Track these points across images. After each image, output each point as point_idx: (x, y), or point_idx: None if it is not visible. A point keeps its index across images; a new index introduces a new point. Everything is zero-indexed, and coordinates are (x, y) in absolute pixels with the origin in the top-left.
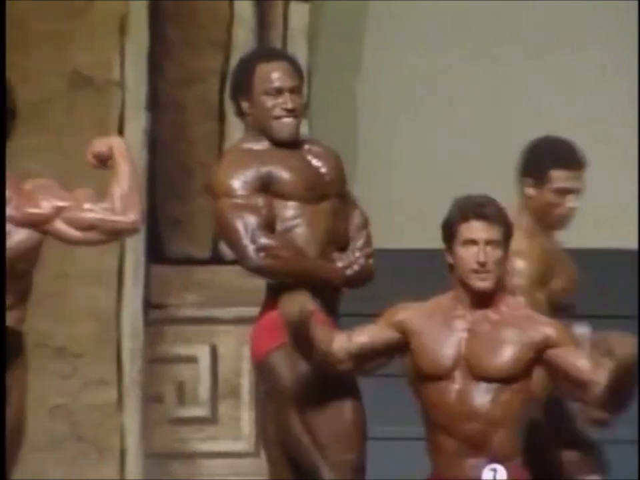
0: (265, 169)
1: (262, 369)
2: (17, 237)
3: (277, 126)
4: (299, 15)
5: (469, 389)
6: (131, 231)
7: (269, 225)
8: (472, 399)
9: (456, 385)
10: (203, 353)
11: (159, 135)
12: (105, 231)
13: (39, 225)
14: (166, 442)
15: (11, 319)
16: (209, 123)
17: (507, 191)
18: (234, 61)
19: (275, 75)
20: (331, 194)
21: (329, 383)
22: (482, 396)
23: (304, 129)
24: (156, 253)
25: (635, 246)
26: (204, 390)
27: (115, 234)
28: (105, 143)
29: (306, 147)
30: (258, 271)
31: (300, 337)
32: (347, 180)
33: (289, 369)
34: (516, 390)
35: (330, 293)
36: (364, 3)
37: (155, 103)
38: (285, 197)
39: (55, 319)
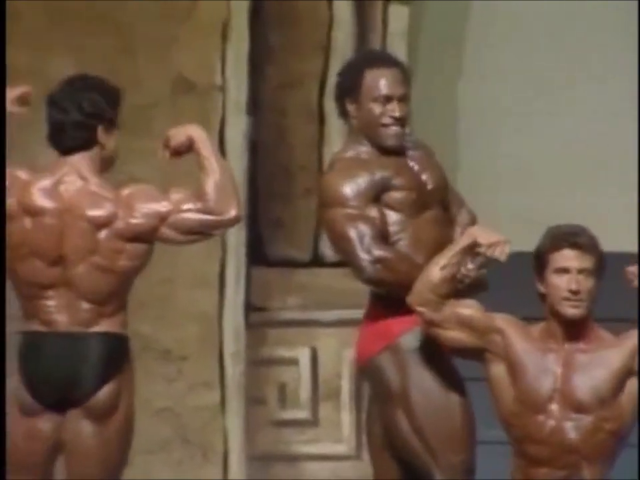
0: (377, 178)
1: (368, 372)
2: (135, 252)
3: (384, 134)
4: (398, 16)
5: (564, 422)
6: (233, 225)
7: (382, 236)
8: (567, 433)
9: (551, 419)
10: (303, 355)
11: (260, 138)
12: (207, 230)
13: (147, 236)
14: (268, 444)
15: (116, 323)
16: (309, 126)
17: (606, 196)
18: (333, 64)
19: (385, 82)
20: (433, 202)
21: (437, 384)
22: (577, 429)
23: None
24: (257, 256)
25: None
26: (305, 392)
27: (217, 230)
28: (183, 133)
29: (409, 152)
30: (373, 282)
31: None
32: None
33: (396, 371)
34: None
35: None
36: (465, 4)
37: (255, 106)
38: (394, 208)
39: (159, 322)
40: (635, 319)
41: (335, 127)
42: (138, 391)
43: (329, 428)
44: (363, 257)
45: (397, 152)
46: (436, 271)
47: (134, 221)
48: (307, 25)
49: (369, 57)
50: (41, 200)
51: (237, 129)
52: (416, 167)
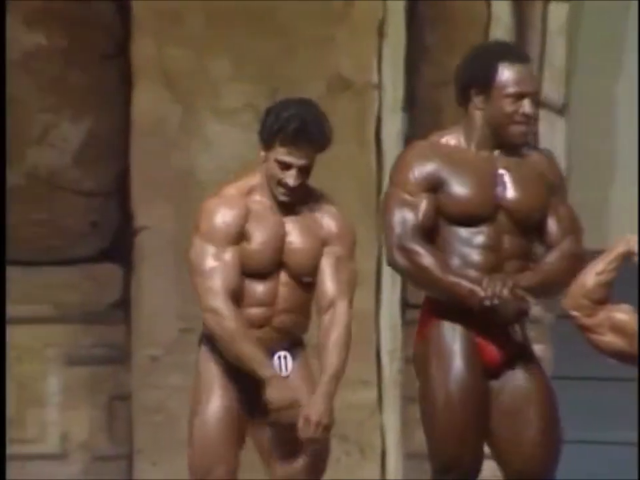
0: (443, 172)
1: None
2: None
3: (513, 131)
4: (557, 14)
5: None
6: None
7: (423, 228)
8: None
9: None
10: None
11: (415, 135)
12: None
13: None
14: (425, 442)
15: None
16: None
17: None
18: None
19: (519, 79)
20: (493, 218)
21: (448, 380)
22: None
23: (562, 129)
24: None
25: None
26: None
27: None
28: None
29: (510, 160)
30: (394, 267)
31: None
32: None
33: (419, 361)
34: None
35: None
36: (625, 2)
37: (411, 104)
38: (445, 215)
39: (315, 319)
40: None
41: None
42: None
43: None
44: (395, 242)
45: (490, 159)
46: (591, 277)
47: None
48: (464, 23)
49: (503, 50)
50: None
51: (393, 126)
52: (499, 179)
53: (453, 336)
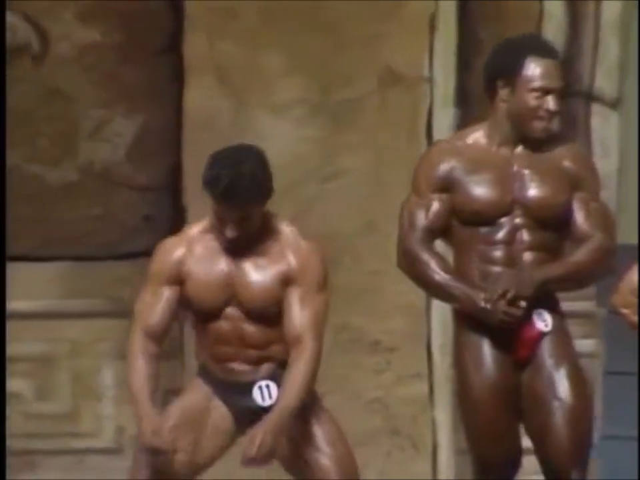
0: (458, 171)
1: None
2: None
3: (535, 126)
4: (610, 9)
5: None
6: None
7: (432, 229)
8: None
9: None
10: None
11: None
12: None
13: None
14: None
15: None
16: None
17: None
18: None
19: (546, 73)
20: (514, 212)
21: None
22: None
23: (615, 123)
24: None
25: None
26: None
27: None
28: None
29: (531, 157)
30: (401, 270)
31: None
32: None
33: (455, 352)
34: None
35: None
36: None
37: (462, 98)
38: (460, 215)
39: (369, 314)
40: None
41: None
42: (350, 381)
43: None
44: (401, 245)
45: (509, 156)
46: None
47: None
48: (515, 18)
49: (532, 43)
50: None
51: (444, 120)
52: (517, 176)
53: (482, 330)
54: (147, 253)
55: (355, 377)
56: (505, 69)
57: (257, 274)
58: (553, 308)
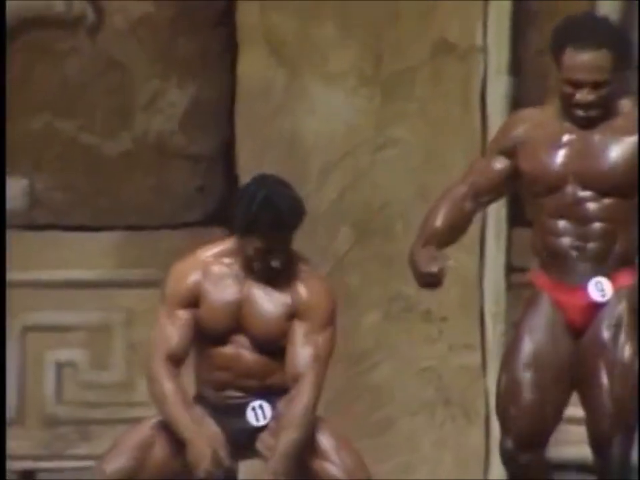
0: (517, 143)
1: None
2: None
3: (573, 113)
4: None
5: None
6: None
7: (477, 193)
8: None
9: None
10: None
11: (520, 99)
12: None
13: None
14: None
15: None
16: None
17: None
18: None
19: (582, 66)
20: (559, 187)
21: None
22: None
23: None
24: (517, 217)
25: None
26: None
27: None
28: None
29: (605, 121)
30: None
31: None
32: None
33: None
34: None
35: None
36: None
37: (516, 68)
38: (523, 184)
39: None
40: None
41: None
42: (402, 350)
43: None
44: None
45: (568, 128)
46: None
47: None
48: None
49: (577, 30)
50: None
51: (498, 89)
52: (573, 148)
53: (539, 298)
54: (201, 223)
55: (407, 346)
56: (552, 52)
57: (266, 303)
58: (624, 278)
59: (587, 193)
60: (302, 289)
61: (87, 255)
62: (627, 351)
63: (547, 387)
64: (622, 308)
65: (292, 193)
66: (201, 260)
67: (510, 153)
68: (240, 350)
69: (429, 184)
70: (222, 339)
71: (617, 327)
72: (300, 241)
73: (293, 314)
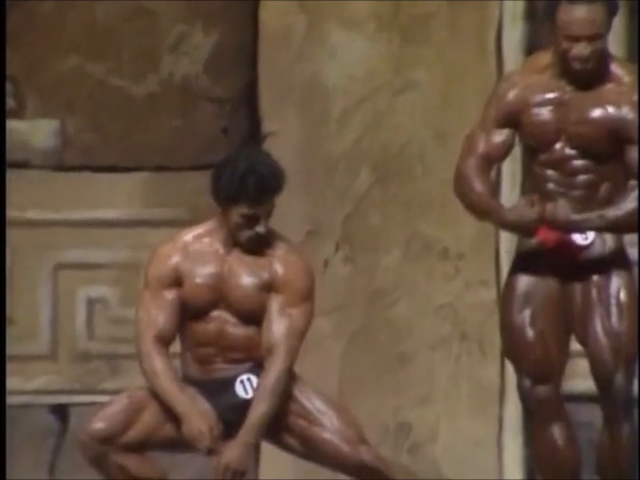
0: (521, 97)
1: None
2: None
3: (570, 68)
4: None
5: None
6: None
7: (490, 156)
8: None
9: None
10: None
11: (535, 46)
12: None
13: None
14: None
15: None
16: None
17: None
18: None
19: (576, 20)
20: (552, 144)
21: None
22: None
23: None
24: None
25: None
26: None
27: None
28: None
29: (598, 82)
30: (454, 192)
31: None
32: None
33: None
34: None
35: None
36: None
37: (531, 15)
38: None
39: (440, 223)
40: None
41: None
42: (420, 287)
43: None
44: (458, 161)
45: (560, 87)
46: None
47: None
48: None
49: None
50: None
51: (513, 36)
52: (564, 107)
53: (529, 240)
54: None
55: (425, 283)
56: (547, 11)
57: (246, 278)
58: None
59: (574, 151)
60: (279, 264)
61: (115, 195)
62: (619, 285)
63: (544, 323)
64: (608, 247)
65: (272, 160)
66: (181, 241)
67: (508, 122)
68: (222, 325)
69: (446, 126)
70: (205, 315)
71: (605, 265)
72: (321, 183)
73: (270, 287)
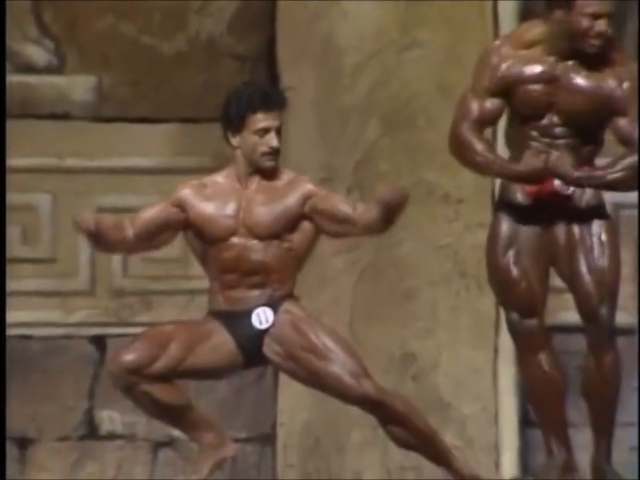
0: (514, 72)
1: None
2: None
3: (586, 46)
4: None
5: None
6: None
7: (483, 121)
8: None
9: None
10: None
11: (530, 7)
12: None
13: None
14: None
15: None
16: None
17: None
18: None
19: (593, 1)
20: (543, 114)
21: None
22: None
23: None
24: None
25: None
26: None
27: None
28: None
29: (596, 62)
30: (450, 152)
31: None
32: None
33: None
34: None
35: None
36: None
37: None
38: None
39: (442, 169)
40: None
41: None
42: (425, 230)
43: None
44: (453, 126)
45: (557, 64)
46: None
47: None
48: None
49: None
50: None
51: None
52: (558, 81)
53: (513, 186)
54: None
55: (428, 225)
56: None
57: (266, 204)
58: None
59: (561, 121)
60: (300, 187)
61: (147, 144)
62: (600, 226)
63: (527, 262)
64: (587, 198)
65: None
66: (201, 184)
67: (500, 92)
68: (241, 251)
69: (449, 80)
70: (222, 242)
71: (586, 212)
72: (334, 133)
73: (306, 197)
